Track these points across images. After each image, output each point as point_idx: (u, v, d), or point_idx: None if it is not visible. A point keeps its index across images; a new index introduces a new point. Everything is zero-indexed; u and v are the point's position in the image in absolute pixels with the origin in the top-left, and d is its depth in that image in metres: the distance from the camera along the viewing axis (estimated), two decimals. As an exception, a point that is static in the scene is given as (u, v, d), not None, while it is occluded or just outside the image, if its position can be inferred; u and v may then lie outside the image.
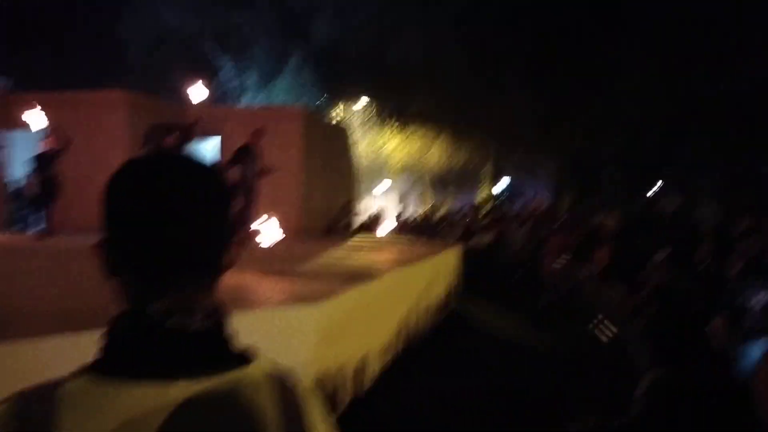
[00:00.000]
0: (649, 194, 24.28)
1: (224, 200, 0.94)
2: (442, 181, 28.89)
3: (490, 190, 26.08)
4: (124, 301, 0.90)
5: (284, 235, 7.05)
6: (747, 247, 5.33)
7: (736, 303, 4.28)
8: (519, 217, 13.89)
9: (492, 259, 11.94)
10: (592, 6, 21.47)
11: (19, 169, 13.19)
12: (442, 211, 20.74)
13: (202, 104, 12.94)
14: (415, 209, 26.92)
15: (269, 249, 6.52)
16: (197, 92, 11.72)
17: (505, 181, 28.63)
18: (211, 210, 0.91)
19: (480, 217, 14.49)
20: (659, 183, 25.06)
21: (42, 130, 10.00)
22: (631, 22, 21.28)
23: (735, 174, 23.39)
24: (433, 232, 15.49)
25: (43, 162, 9.94)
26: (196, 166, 0.93)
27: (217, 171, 0.95)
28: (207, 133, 12.74)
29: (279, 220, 9.38)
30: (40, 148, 9.97)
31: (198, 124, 10.60)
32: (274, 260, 6.29)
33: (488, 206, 20.51)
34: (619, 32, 21.38)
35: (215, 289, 0.94)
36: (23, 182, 13.63)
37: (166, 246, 0.87)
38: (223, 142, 13.49)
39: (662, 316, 3.94)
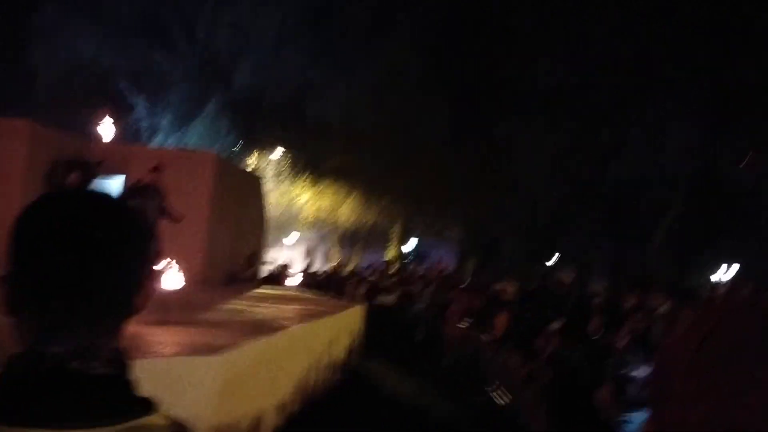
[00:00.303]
0: (546, 265, 25.49)
1: (137, 241, 0.91)
2: (351, 238, 29.04)
3: (398, 250, 26.42)
4: (22, 342, 0.85)
5: (185, 283, 6.83)
6: (633, 323, 5.68)
7: (621, 374, 4.52)
8: (424, 278, 14.11)
9: (396, 319, 12.01)
10: (502, 84, 22.81)
11: None
12: (349, 268, 20.75)
13: (110, 141, 12.52)
14: (322, 264, 26.79)
15: (168, 296, 6.28)
16: (106, 129, 11.34)
17: (412, 243, 29.14)
18: (123, 250, 0.88)
19: (386, 276, 14.61)
20: (556, 256, 26.41)
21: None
22: (533, 105, 22.78)
23: (622, 252, 25.15)
24: (339, 288, 15.44)
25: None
26: (109, 204, 0.90)
27: (132, 210, 0.92)
28: (112, 171, 12.28)
29: (181, 267, 9.08)
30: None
31: (103, 162, 10.26)
32: (173, 308, 6.07)
33: (395, 266, 20.73)
34: (521, 112, 22.83)
35: (121, 333, 0.91)
36: None
37: (71, 285, 0.84)
38: (128, 181, 13.03)
39: (555, 384, 4.11)
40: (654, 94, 21.63)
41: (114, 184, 13.72)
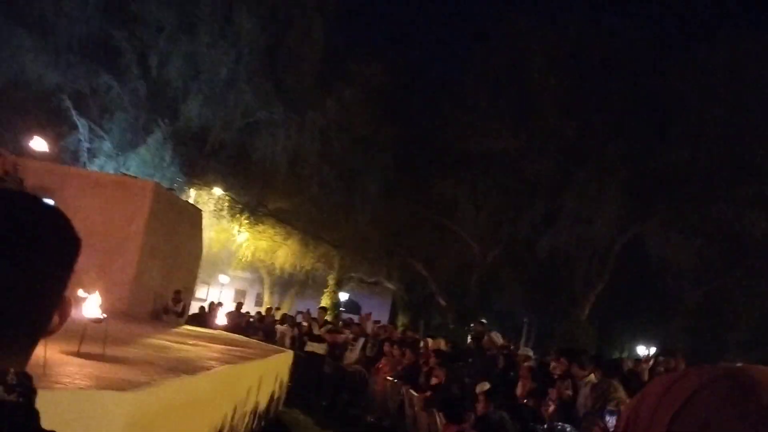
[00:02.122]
0: (474, 326, 25.80)
1: (58, 252, 0.80)
2: (285, 284, 28.62)
3: (331, 299, 26.18)
4: None
5: (107, 314, 6.49)
6: (561, 390, 5.71)
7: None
8: (356, 330, 13.95)
9: (325, 369, 11.76)
10: (446, 143, 23.39)
11: None
12: (279, 314, 20.32)
13: (44, 161, 12.08)
14: (253, 307, 26.18)
15: (87, 326, 5.92)
16: (38, 147, 10.92)
17: (346, 293, 28.94)
18: (40, 260, 0.78)
19: (319, 324, 14.37)
20: (484, 319, 26.85)
21: None
22: (474, 166, 23.44)
23: (549, 319, 25.75)
24: (268, 332, 15.08)
25: None
26: (28, 205, 0.79)
27: (61, 214, 0.81)
28: (42, 191, 11.81)
29: (105, 296, 8.67)
30: None
31: (26, 180, 9.88)
32: (91, 340, 5.74)
33: (327, 316, 20.48)
34: (462, 172, 23.43)
35: (29, 357, 0.79)
36: None
37: None
38: (58, 203, 12.53)
39: (482, 446, 4.05)
40: (589, 167, 22.58)
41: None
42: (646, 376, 8.61)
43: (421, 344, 11.51)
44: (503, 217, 23.72)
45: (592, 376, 6.23)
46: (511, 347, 11.53)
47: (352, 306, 29.06)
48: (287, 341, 14.11)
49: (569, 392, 5.82)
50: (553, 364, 6.74)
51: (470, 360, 9.60)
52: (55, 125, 19.25)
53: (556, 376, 6.31)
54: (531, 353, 9.95)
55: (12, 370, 0.77)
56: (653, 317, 26.09)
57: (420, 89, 25.37)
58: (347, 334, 13.52)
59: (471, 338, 12.99)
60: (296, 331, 15.00)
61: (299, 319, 17.14)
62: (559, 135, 22.32)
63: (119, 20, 20.45)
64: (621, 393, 5.68)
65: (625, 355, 21.19)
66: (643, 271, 23.98)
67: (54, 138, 15.34)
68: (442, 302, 25.62)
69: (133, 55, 20.66)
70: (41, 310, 0.80)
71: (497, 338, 10.17)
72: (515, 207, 23.58)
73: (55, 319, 0.82)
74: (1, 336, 0.76)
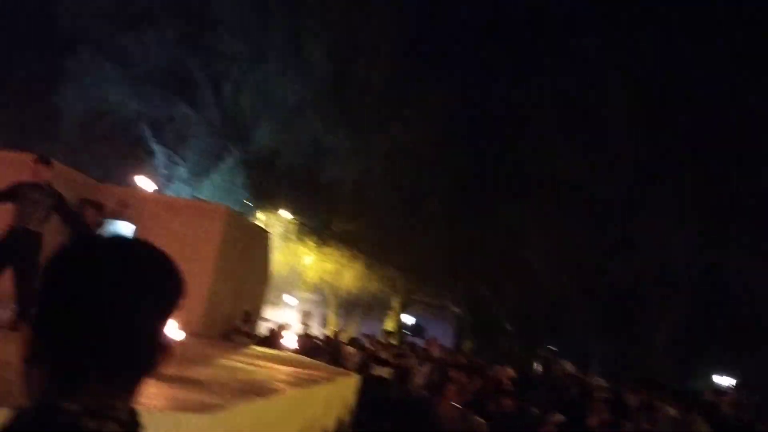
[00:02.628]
0: (542, 353, 25.14)
1: (169, 300, 0.87)
2: (350, 306, 28.76)
3: (396, 322, 26.11)
4: (33, 394, 0.80)
5: (183, 336, 6.69)
6: (639, 423, 5.50)
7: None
8: (421, 354, 13.85)
9: (391, 394, 11.70)
10: (513, 167, 23.12)
11: None
12: (345, 336, 20.43)
13: (125, 186, 12.68)
14: (319, 329, 26.43)
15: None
16: (124, 174, 11.47)
17: (411, 316, 28.82)
18: (152, 308, 0.84)
19: (384, 347, 14.35)
20: (552, 345, 26.12)
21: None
22: (542, 192, 23.02)
23: (622, 349, 24.79)
24: (335, 354, 15.14)
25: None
26: (145, 258, 0.86)
27: (170, 260, 0.88)
28: (124, 216, 12.35)
29: (180, 318, 8.98)
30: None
31: (110, 206, 10.37)
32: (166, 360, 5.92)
33: (392, 339, 20.45)
34: (530, 197, 23.04)
35: (137, 392, 0.85)
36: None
37: (92, 339, 0.79)
38: (137, 227, 13.08)
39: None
40: (664, 192, 21.83)
41: (124, 228, 13.76)
42: (727, 410, 8.18)
43: (489, 371, 11.32)
44: (572, 241, 23.16)
45: (672, 409, 5.97)
46: (583, 377, 11.19)
47: (416, 329, 28.89)
48: (353, 364, 14.12)
49: (648, 425, 5.60)
50: (629, 395, 6.49)
51: (539, 388, 9.37)
52: (135, 152, 20.23)
53: (632, 408, 6.08)
54: (604, 383, 9.63)
55: (122, 406, 0.82)
56: (732, 346, 24.80)
57: (485, 112, 25.28)
58: (413, 358, 13.44)
59: (542, 365, 12.70)
60: (362, 353, 15.01)
61: (364, 341, 17.15)
62: (632, 157, 21.71)
63: (195, 52, 21.40)
64: (705, 429, 5.41)
65: (701, 385, 20.21)
66: (722, 299, 22.89)
67: (133, 164, 16.12)
68: (509, 327, 25.16)
69: (208, 84, 21.54)
70: (153, 349, 0.86)
71: (568, 367, 9.89)
72: (585, 231, 22.99)
73: (161, 356, 0.88)
74: (117, 375, 0.82)
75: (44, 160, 6.97)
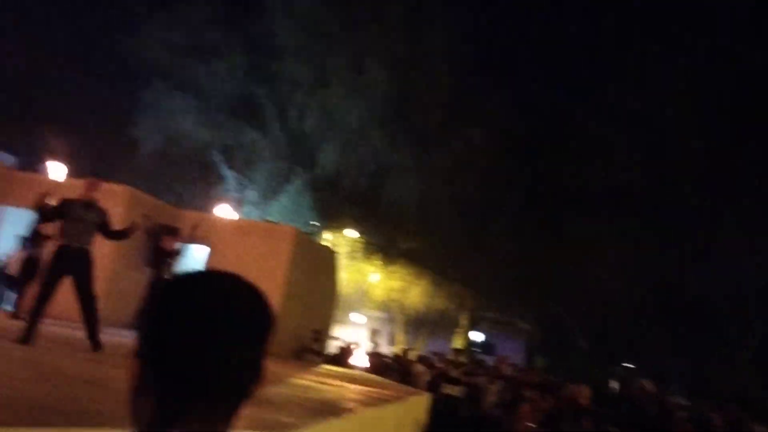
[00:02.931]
0: (622, 369, 24.29)
1: (266, 329, 0.91)
2: (417, 323, 28.63)
3: (465, 340, 25.83)
4: (140, 424, 0.85)
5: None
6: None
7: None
8: (492, 372, 13.64)
9: (462, 412, 11.58)
10: (580, 179, 22.62)
11: (7, 246, 13.07)
12: (414, 354, 20.34)
13: (199, 211, 13.13)
14: (387, 347, 26.42)
15: None
16: (198, 199, 11.93)
17: (480, 334, 28.45)
18: (251, 338, 0.88)
19: (454, 365, 14.21)
20: (628, 363, 25.21)
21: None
22: (612, 204, 22.38)
23: (700, 366, 23.64)
24: (403, 374, 15.09)
25: (32, 242, 9.80)
26: (243, 291, 0.90)
27: (264, 299, 0.92)
28: (199, 240, 12.80)
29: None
30: (32, 228, 9.84)
31: (186, 230, 10.78)
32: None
33: (462, 357, 20.23)
34: (599, 210, 22.42)
35: (235, 418, 0.89)
36: (7, 259, 13.47)
37: (195, 370, 0.83)
38: (211, 249, 13.53)
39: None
40: (744, 200, 20.87)
41: (199, 252, 14.25)
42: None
43: (564, 389, 11.04)
44: (646, 255, 22.36)
45: (763, 428, 5.67)
46: (663, 395, 10.75)
47: (485, 346, 28.49)
48: (423, 383, 14.04)
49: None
50: (714, 415, 6.21)
51: (616, 407, 9.07)
52: (207, 177, 20.97)
53: (718, 427, 5.81)
54: (684, 401, 9.23)
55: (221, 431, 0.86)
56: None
57: (549, 125, 24.89)
58: (483, 377, 13.26)
59: (619, 383, 12.27)
60: (432, 372, 14.90)
61: (433, 359, 17.03)
62: (710, 168, 20.87)
63: (261, 79, 22.10)
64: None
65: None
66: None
67: (206, 189, 16.73)
68: (583, 344, 24.47)
69: (274, 109, 22.16)
70: (252, 377, 0.89)
71: (647, 385, 9.53)
72: (661, 244, 22.16)
73: (257, 384, 0.91)
74: (219, 402, 0.86)
75: (94, 177, 7.27)
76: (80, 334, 9.31)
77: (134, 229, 7.35)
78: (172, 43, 21.62)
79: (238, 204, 22.05)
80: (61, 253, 6.63)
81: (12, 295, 10.66)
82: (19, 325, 8.94)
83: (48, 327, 9.29)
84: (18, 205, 12.17)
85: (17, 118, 20.95)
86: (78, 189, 7.13)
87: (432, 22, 22.44)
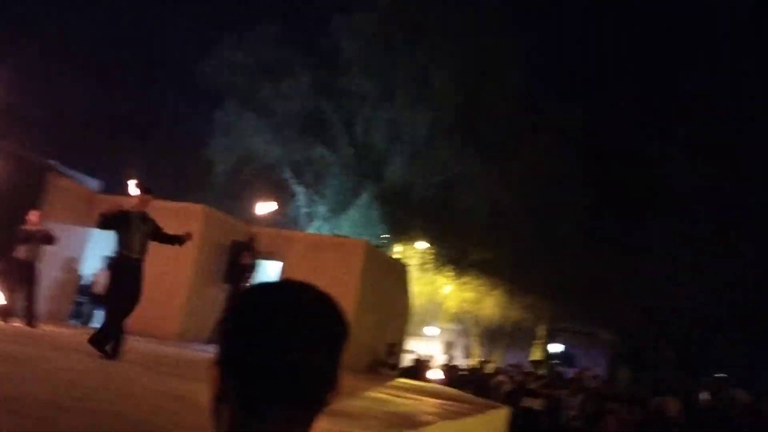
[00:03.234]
0: (709, 382, 23.07)
1: (341, 337, 0.91)
2: (493, 335, 28.14)
3: (543, 351, 25.18)
4: (224, 430, 0.86)
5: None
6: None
7: None
8: (573, 384, 13.20)
9: (542, 426, 11.24)
10: (649, 188, 21.75)
11: (93, 266, 13.74)
12: (490, 367, 20.00)
13: (271, 227, 13.39)
14: (462, 360, 26.07)
15: None
16: (269, 216, 12.18)
17: (559, 345, 27.68)
18: (327, 344, 0.89)
19: (533, 377, 13.85)
20: (719, 373, 23.90)
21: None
22: (686, 210, 21.38)
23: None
24: (480, 387, 14.84)
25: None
26: (318, 299, 0.91)
27: (338, 307, 0.93)
28: (271, 254, 13.02)
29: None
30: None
31: (260, 246, 11.03)
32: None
33: (540, 369, 19.70)
34: (675, 215, 21.46)
35: (312, 427, 0.89)
36: (92, 278, 14.16)
37: (274, 378, 0.84)
38: (284, 264, 13.74)
39: None
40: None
41: (273, 266, 14.51)
42: None
43: (650, 402, 10.53)
44: (732, 260, 21.18)
45: None
46: (759, 406, 10.08)
47: (565, 358, 27.70)
48: (501, 396, 13.75)
49: None
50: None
51: (708, 419, 8.56)
52: (278, 194, 21.40)
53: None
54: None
55: None
56: None
57: (620, 129, 24.08)
58: (565, 389, 12.85)
59: (710, 395, 11.61)
60: (510, 385, 14.58)
61: (511, 372, 16.70)
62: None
63: (327, 95, 22.44)
64: None
65: None
66: None
67: (277, 205, 17.04)
68: (669, 354, 23.36)
69: (341, 124, 22.43)
70: (329, 386, 0.89)
71: (740, 395, 8.97)
72: (740, 246, 20.95)
73: (334, 392, 0.91)
74: (298, 411, 0.86)
75: (147, 190, 7.48)
76: (162, 349, 9.61)
77: (187, 238, 7.54)
78: (241, 64, 22.31)
79: (309, 219, 22.41)
80: (123, 264, 6.83)
81: (99, 314, 11.12)
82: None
83: (131, 342, 9.64)
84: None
85: (99, 143, 22.13)
86: (144, 204, 7.35)
87: (498, 29, 22.22)
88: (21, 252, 9.25)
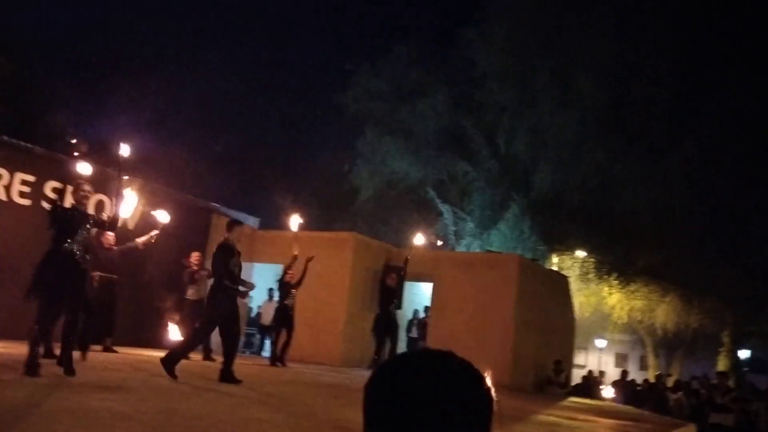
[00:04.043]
0: None
1: (483, 408, 0.88)
2: (669, 345, 26.06)
3: (729, 360, 22.83)
4: None
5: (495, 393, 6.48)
6: None
7: None
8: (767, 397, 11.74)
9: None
10: None
11: (258, 298, 14.60)
12: (670, 380, 18.43)
13: (420, 248, 13.40)
14: (637, 372, 24.39)
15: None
16: (417, 237, 12.17)
17: (746, 351, 25.00)
18: (469, 414, 0.86)
19: (720, 390, 12.50)
20: None
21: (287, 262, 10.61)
22: None
23: None
24: (660, 403, 13.69)
25: (281, 292, 10.68)
26: (461, 369, 0.90)
27: (480, 375, 0.91)
28: (422, 276, 13.00)
29: (488, 372, 8.90)
30: (281, 279, 10.74)
31: (406, 268, 11.05)
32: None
33: (729, 381, 17.79)
34: None
35: None
36: (260, 310, 15.04)
37: None
38: (435, 285, 13.65)
39: None
40: None
41: (424, 288, 14.49)
42: None
43: None
44: None
45: None
46: None
47: (757, 365, 24.94)
48: (684, 412, 12.57)
49: None
50: None
51: None
52: (424, 214, 21.47)
53: None
54: None
55: None
56: None
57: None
58: (758, 402, 11.47)
59: None
60: (693, 399, 13.31)
61: (695, 385, 15.30)
62: None
63: (465, 110, 22.25)
64: None
65: None
66: None
67: (424, 226, 17.08)
68: None
69: (482, 138, 22.10)
70: None
71: None
72: None
73: None
74: None
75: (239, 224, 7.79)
76: (328, 374, 9.85)
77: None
78: (377, 90, 22.84)
79: (457, 237, 22.20)
80: (232, 297, 7.29)
81: (267, 343, 11.68)
82: (273, 370, 9.74)
83: (299, 370, 9.97)
84: (263, 261, 13.52)
85: (253, 182, 23.67)
86: (311, 240, 7.66)
87: (645, 21, 20.83)
88: (189, 292, 9.98)
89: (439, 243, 21.10)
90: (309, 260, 10.12)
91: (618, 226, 20.97)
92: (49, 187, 9.70)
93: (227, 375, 7.02)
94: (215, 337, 11.18)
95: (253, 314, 15.22)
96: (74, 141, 6.97)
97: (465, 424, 0.85)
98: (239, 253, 7.46)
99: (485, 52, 21.91)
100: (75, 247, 5.99)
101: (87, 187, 6.28)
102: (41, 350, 6.25)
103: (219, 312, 7.16)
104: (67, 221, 5.99)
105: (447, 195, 22.59)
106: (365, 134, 22.59)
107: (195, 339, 7.57)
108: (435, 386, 0.85)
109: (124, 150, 6.69)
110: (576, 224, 21.10)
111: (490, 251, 18.78)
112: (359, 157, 22.76)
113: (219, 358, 9.87)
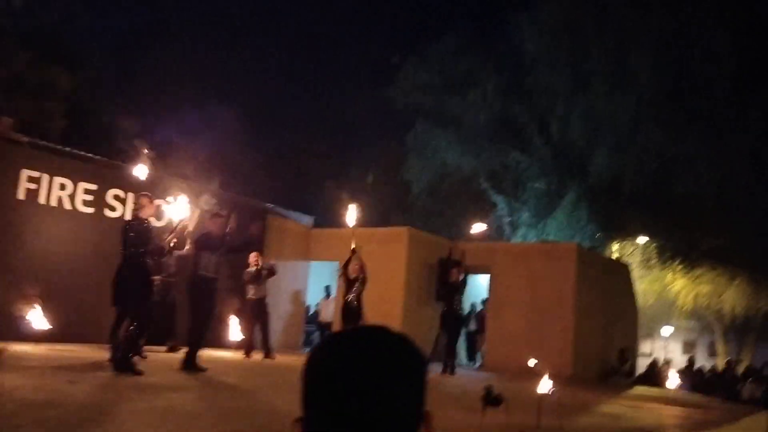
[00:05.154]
0: None
1: (419, 382, 0.89)
2: (740, 330, 25.11)
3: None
4: None
5: (554, 388, 6.20)
6: None
7: None
8: None
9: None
10: None
11: (316, 295, 14.80)
12: (741, 367, 17.77)
13: (476, 240, 13.34)
14: (705, 359, 23.63)
15: (539, 400, 5.81)
16: (473, 230, 12.12)
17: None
18: (403, 382, 0.87)
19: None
20: None
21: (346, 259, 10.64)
22: None
23: None
24: (730, 391, 13.24)
25: (346, 288, 10.79)
26: (394, 342, 0.90)
27: (415, 347, 0.91)
28: (479, 268, 12.90)
29: (548, 364, 8.74)
30: (337, 275, 10.88)
31: (467, 259, 10.98)
32: (544, 412, 5.75)
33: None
34: None
35: None
36: (316, 308, 15.24)
37: (359, 427, 0.82)
38: (492, 277, 13.54)
39: None
40: None
41: (481, 279, 14.39)
42: None
43: None
44: None
45: None
46: None
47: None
48: (757, 399, 12.13)
49: None
50: None
51: None
52: (479, 206, 21.24)
53: None
54: None
55: None
56: None
57: None
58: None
59: None
60: (766, 386, 12.83)
61: (767, 371, 14.74)
62: None
63: (516, 98, 21.85)
64: None
65: None
66: None
67: (480, 218, 16.90)
68: None
69: (534, 126, 21.67)
70: (416, 421, 0.87)
71: None
72: None
73: (425, 424, 0.88)
74: None
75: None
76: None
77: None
78: (427, 82, 22.67)
79: (513, 228, 21.87)
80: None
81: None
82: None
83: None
84: (319, 259, 13.71)
85: (307, 181, 23.95)
86: (365, 236, 7.72)
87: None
88: (250, 292, 10.23)
89: (494, 234, 20.86)
90: (353, 252, 9.97)
91: (679, 210, 20.27)
92: (111, 195, 10.09)
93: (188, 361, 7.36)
94: (275, 335, 11.44)
95: (311, 312, 15.44)
96: (139, 146, 7.42)
97: (400, 396, 0.85)
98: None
99: (535, 36, 21.43)
100: (146, 259, 6.84)
101: (144, 200, 6.77)
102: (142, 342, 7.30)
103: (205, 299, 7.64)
104: (139, 235, 6.70)
105: (501, 185, 22.25)
106: (415, 128, 22.49)
107: (197, 332, 7.72)
108: (368, 360, 0.85)
109: (141, 173, 7.71)
110: (635, 209, 20.49)
111: (547, 241, 18.48)
112: (411, 151, 22.68)
113: (274, 354, 10.07)
